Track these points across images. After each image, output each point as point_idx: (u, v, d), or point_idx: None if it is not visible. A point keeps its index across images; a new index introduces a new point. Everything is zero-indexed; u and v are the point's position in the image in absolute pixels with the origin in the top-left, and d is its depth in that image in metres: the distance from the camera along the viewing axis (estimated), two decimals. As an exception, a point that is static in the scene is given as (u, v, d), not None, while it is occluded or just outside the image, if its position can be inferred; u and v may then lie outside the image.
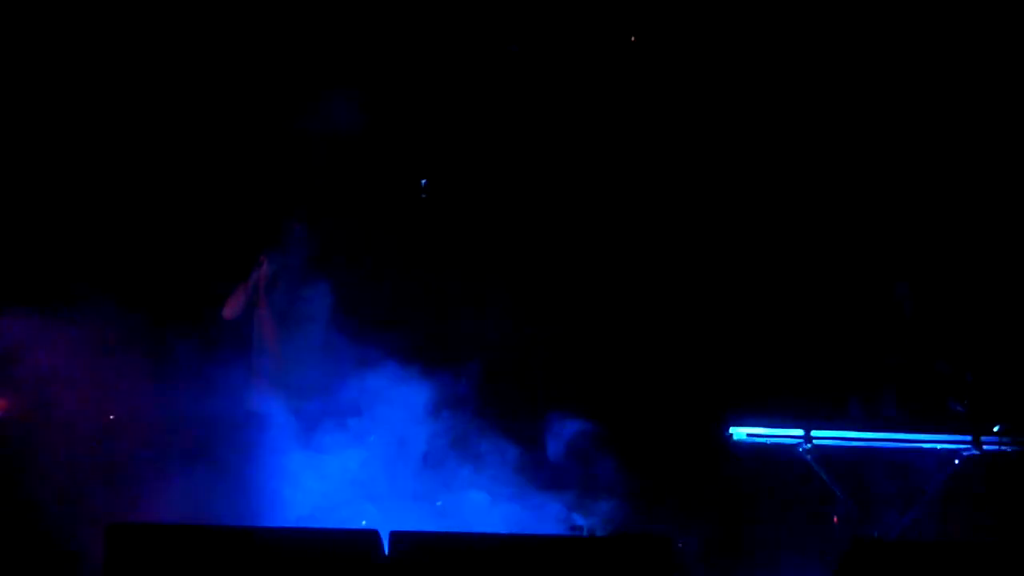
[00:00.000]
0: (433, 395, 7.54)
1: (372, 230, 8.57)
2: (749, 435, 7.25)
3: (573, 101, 8.64)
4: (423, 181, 8.62)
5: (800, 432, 7.25)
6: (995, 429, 7.21)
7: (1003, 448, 7.19)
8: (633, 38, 8.54)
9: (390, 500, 7.28)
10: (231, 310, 7.78)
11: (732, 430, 7.24)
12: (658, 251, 8.57)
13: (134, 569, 5.39)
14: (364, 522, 7.05)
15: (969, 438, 7.23)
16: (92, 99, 8.41)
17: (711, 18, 8.54)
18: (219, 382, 7.38)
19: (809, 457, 7.28)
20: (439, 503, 7.32)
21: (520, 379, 8.28)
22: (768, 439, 7.27)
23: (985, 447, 7.20)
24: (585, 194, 8.63)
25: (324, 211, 8.08)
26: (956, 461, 7.27)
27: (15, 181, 8.30)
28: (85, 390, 7.42)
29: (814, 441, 7.25)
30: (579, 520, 7.43)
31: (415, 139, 8.65)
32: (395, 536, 5.43)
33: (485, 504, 7.36)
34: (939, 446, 7.27)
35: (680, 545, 7.26)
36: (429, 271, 8.56)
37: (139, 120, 8.46)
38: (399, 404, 7.49)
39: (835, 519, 7.46)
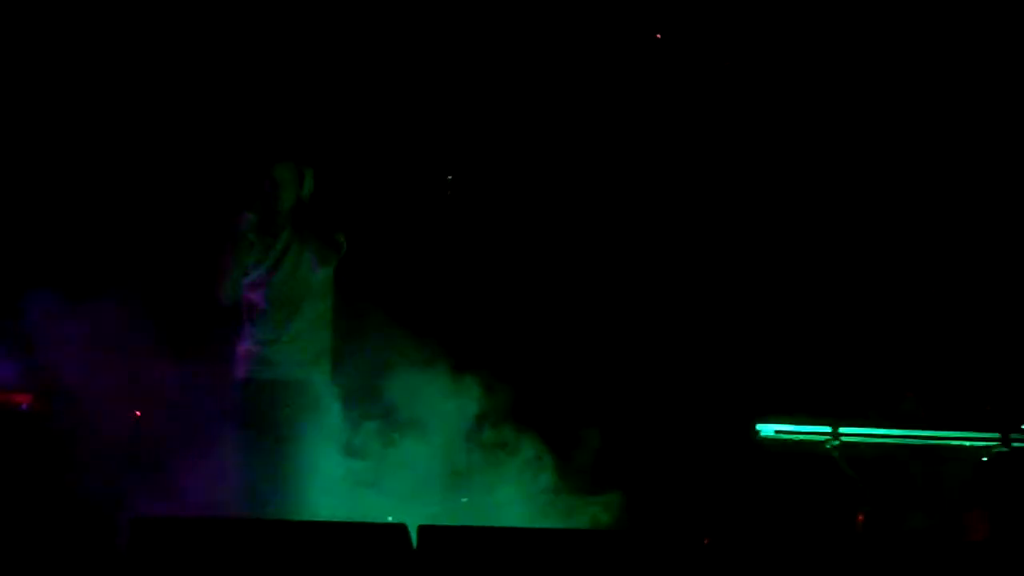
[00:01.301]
0: (455, 376, 7.50)
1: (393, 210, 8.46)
2: (776, 432, 7.25)
3: (591, 95, 8.62)
4: (448, 177, 8.59)
5: (827, 429, 7.24)
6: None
7: (1032, 445, 7.18)
8: (658, 35, 8.53)
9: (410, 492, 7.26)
10: (223, 292, 7.08)
11: (759, 427, 7.23)
12: (686, 248, 8.55)
13: (159, 563, 5.38)
14: (390, 518, 7.03)
15: (998, 435, 7.20)
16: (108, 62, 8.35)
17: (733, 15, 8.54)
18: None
19: (836, 454, 7.26)
20: (464, 499, 7.27)
21: (546, 374, 8.23)
22: (795, 436, 7.26)
23: (1014, 444, 7.18)
24: (612, 191, 8.60)
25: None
26: (984, 458, 7.24)
27: (30, 161, 8.28)
28: (109, 372, 7.42)
29: (841, 438, 7.24)
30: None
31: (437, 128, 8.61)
32: (423, 530, 5.42)
33: (512, 504, 7.34)
34: (967, 443, 7.24)
35: (706, 542, 7.23)
36: (459, 262, 8.47)
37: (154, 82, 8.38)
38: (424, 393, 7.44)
39: (860, 517, 7.43)
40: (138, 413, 7.69)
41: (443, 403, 7.44)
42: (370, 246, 7.76)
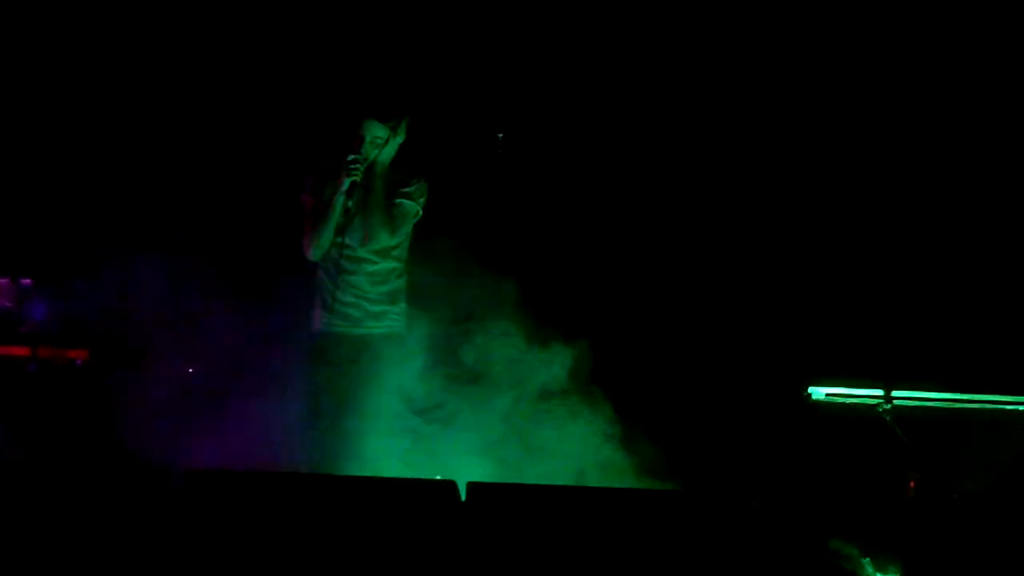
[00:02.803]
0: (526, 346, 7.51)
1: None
2: (828, 395, 7.22)
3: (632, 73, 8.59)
4: (499, 135, 8.56)
5: (880, 392, 7.20)
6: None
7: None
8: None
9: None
10: (312, 247, 7.05)
11: (811, 389, 7.20)
12: (740, 211, 8.50)
13: (212, 515, 5.43)
14: (438, 476, 7.05)
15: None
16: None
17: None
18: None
19: (888, 418, 7.22)
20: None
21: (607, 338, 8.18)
22: (847, 399, 7.23)
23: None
24: (661, 159, 8.57)
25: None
26: (1041, 424, 7.21)
27: (94, 111, 8.31)
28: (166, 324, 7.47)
29: (894, 401, 7.20)
30: None
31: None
32: (472, 487, 5.43)
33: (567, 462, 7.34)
34: (1022, 407, 7.20)
35: (755, 504, 7.21)
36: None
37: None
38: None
39: (912, 483, 7.39)
40: (191, 368, 7.73)
41: (516, 363, 7.46)
42: (460, 206, 7.78)
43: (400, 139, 7.04)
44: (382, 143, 6.99)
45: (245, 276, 7.67)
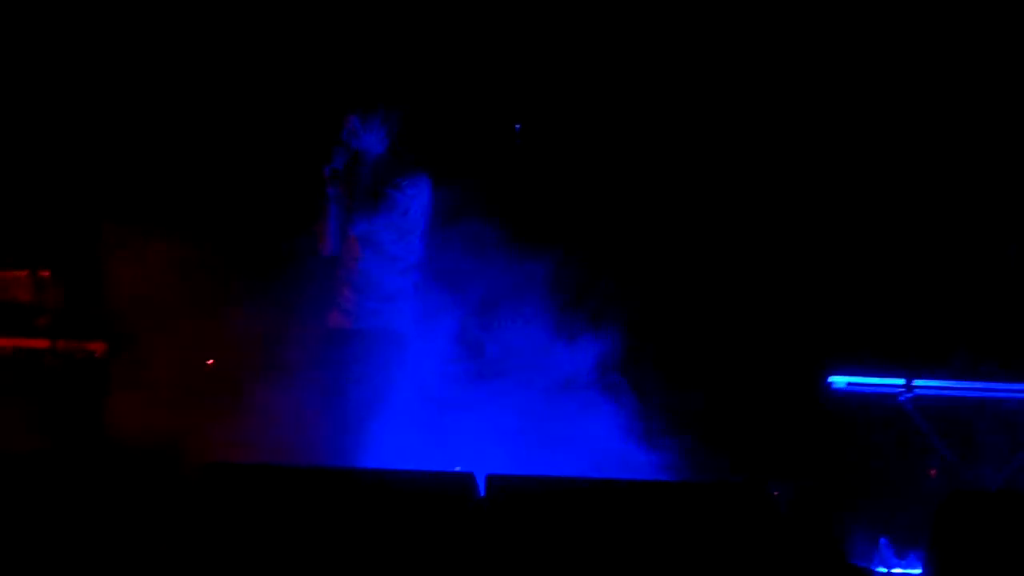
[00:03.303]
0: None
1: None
2: (849, 384, 7.19)
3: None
4: (517, 126, 8.54)
5: (901, 381, 7.18)
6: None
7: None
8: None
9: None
10: (326, 244, 7.17)
11: (832, 378, 7.18)
12: (761, 197, 8.47)
13: (228, 508, 5.42)
14: (458, 467, 7.05)
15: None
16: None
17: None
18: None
19: (910, 407, 7.20)
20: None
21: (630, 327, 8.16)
22: (868, 388, 7.20)
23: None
24: (688, 149, 8.54)
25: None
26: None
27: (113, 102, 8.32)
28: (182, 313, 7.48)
29: (915, 391, 7.17)
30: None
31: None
32: (491, 479, 5.41)
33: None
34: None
35: (776, 493, 7.20)
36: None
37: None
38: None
39: (933, 472, 7.37)
40: (210, 362, 7.74)
41: (540, 353, 7.45)
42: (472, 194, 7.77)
43: (392, 131, 7.09)
44: (361, 134, 7.05)
45: (260, 267, 7.67)
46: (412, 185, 7.06)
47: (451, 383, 7.33)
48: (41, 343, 7.88)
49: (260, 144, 8.22)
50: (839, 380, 7.21)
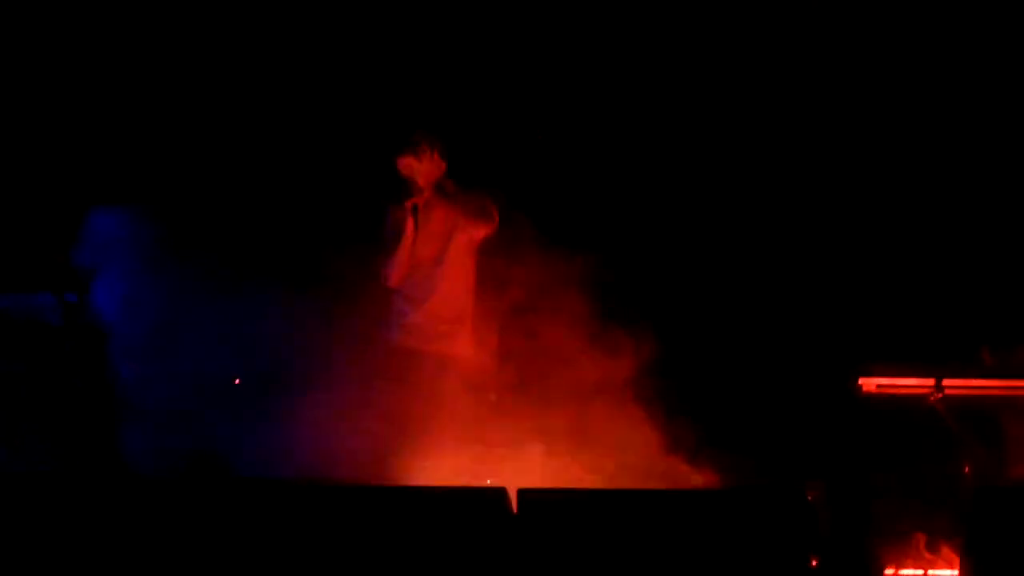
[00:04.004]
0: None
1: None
2: (879, 386, 7.18)
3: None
4: (539, 136, 8.53)
5: (931, 381, 7.14)
6: None
7: None
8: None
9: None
10: (390, 275, 7.39)
11: (861, 380, 7.16)
12: (791, 203, 8.45)
13: (262, 523, 5.43)
14: (489, 481, 7.03)
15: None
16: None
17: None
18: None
19: (941, 407, 7.16)
20: (488, 481, 7.15)
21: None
22: (898, 389, 7.18)
23: None
24: (716, 157, 8.52)
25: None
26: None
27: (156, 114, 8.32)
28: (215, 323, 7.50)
29: (945, 391, 7.14)
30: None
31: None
32: (523, 493, 5.40)
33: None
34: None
35: (810, 496, 7.18)
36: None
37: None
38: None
39: (966, 469, 7.33)
40: (237, 380, 7.75)
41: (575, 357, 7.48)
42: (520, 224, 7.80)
43: (435, 164, 7.31)
44: (426, 166, 7.29)
45: (315, 287, 7.72)
46: (478, 210, 7.31)
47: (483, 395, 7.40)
48: (68, 367, 7.89)
49: (314, 164, 8.29)
50: (868, 382, 7.19)
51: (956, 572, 6.78)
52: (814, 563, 5.62)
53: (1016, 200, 8.21)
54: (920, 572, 7.15)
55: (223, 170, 8.30)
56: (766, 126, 8.48)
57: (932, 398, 7.17)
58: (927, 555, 7.21)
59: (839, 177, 8.42)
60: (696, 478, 7.39)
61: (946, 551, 7.17)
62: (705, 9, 8.46)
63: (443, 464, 7.03)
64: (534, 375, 7.55)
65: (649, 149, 8.52)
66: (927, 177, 8.35)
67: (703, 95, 8.49)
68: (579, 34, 8.47)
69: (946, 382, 7.15)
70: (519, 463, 7.15)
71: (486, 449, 7.21)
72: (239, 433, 7.34)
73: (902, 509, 7.61)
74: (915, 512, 7.57)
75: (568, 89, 8.51)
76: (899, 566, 7.17)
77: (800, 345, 8.21)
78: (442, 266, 7.31)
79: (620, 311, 7.75)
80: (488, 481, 7.04)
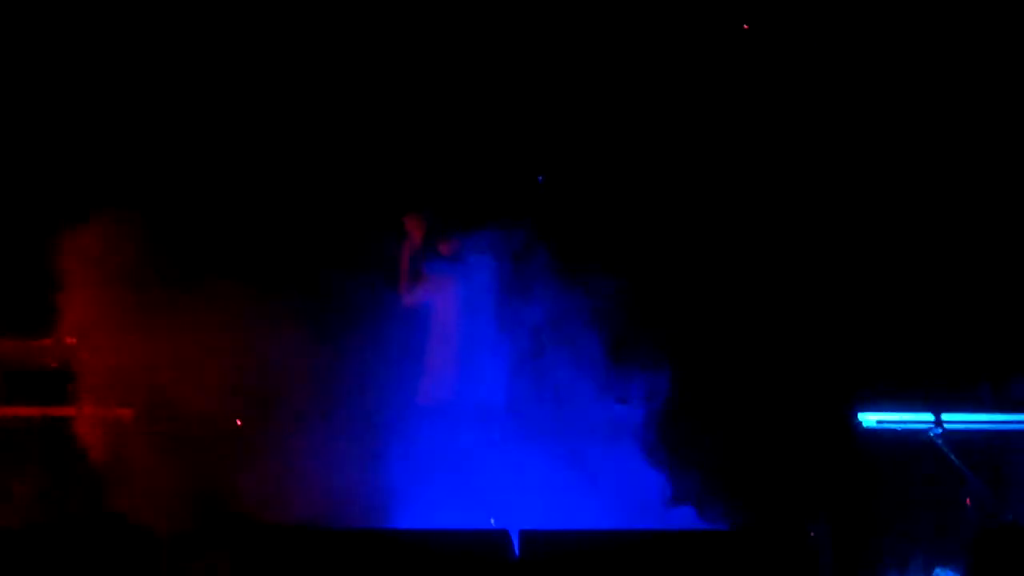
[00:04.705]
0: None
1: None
2: (879, 422, 7.18)
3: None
4: (539, 178, 8.56)
5: (931, 416, 7.15)
6: None
7: None
8: (745, 26, 8.47)
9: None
10: (409, 294, 7.72)
11: (861, 416, 7.16)
12: (787, 234, 8.45)
13: (267, 568, 5.44)
14: (492, 520, 7.03)
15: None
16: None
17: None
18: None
19: (940, 442, 7.17)
20: (492, 520, 7.19)
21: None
22: (898, 424, 7.18)
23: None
24: (714, 178, 8.53)
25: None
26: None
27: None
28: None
29: (945, 426, 7.15)
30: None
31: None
32: (525, 535, 5.40)
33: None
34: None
35: (812, 534, 7.18)
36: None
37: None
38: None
39: (968, 502, 7.32)
40: (239, 422, 7.73)
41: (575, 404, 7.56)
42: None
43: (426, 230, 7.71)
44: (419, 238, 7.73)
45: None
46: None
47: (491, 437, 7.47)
48: (69, 410, 7.88)
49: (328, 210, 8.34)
50: (868, 418, 7.20)
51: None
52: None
53: (1012, 237, 8.22)
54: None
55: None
56: (765, 171, 8.51)
57: (932, 433, 7.18)
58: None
59: (842, 221, 8.43)
60: (699, 518, 7.39)
61: (949, 580, 7.20)
62: (709, 41, 8.51)
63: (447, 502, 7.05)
64: (542, 415, 7.59)
65: (644, 190, 8.55)
66: (924, 216, 8.37)
67: (717, 142, 8.53)
68: (588, 72, 8.53)
69: (945, 417, 7.16)
70: (523, 501, 7.17)
71: (490, 487, 7.24)
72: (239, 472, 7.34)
73: (903, 545, 7.62)
74: (916, 547, 7.58)
75: (575, 126, 8.57)
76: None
77: (800, 382, 8.21)
78: (458, 331, 7.65)
79: (626, 351, 7.80)
80: (492, 520, 7.04)
